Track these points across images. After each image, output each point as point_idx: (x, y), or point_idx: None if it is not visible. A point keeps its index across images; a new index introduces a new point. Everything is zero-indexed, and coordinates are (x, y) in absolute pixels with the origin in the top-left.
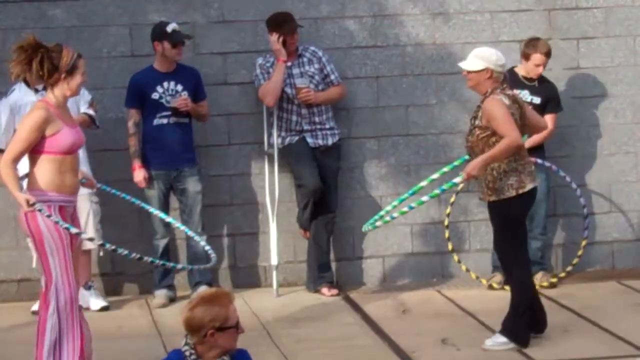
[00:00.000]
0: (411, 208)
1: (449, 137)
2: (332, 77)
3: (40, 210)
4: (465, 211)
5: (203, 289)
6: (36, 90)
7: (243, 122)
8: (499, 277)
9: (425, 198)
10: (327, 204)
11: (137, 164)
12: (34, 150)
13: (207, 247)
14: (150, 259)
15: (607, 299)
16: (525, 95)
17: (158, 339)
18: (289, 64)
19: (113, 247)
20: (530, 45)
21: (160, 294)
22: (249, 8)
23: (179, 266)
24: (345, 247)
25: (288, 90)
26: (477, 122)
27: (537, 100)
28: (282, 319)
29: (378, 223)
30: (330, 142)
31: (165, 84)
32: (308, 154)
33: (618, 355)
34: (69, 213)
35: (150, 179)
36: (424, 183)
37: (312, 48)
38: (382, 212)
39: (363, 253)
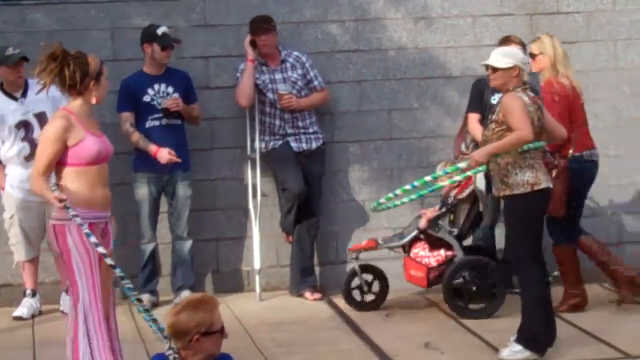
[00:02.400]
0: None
1: (431, 141)
2: (316, 82)
3: (68, 209)
4: None
5: (186, 294)
6: (15, 99)
7: (226, 126)
8: None
9: (428, 178)
10: (310, 208)
11: (152, 148)
12: (58, 162)
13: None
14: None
15: (590, 301)
16: None
17: (141, 344)
18: (273, 68)
19: (121, 275)
20: (503, 40)
21: (144, 299)
22: (231, 12)
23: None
24: (329, 251)
25: (270, 95)
26: (494, 117)
27: None
28: (265, 323)
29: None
30: (314, 146)
31: (156, 87)
32: (292, 158)
33: (601, 358)
34: (99, 230)
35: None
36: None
37: (296, 53)
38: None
39: (347, 257)
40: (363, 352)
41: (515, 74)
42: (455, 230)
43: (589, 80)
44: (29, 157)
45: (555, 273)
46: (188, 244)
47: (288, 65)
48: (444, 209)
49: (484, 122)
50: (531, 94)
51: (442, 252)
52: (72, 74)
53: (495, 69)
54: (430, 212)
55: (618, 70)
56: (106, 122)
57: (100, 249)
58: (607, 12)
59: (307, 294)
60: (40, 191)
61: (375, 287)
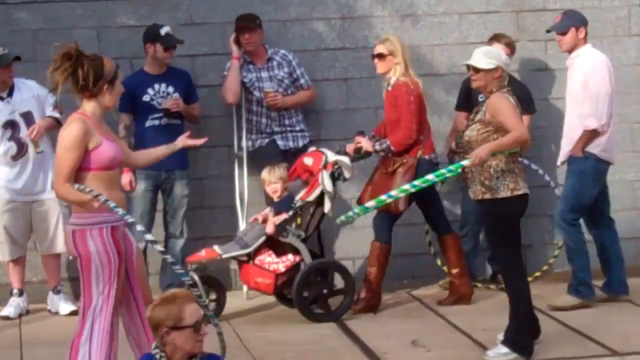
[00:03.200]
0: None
1: None
2: (302, 81)
3: (106, 202)
4: None
5: None
6: (1, 98)
7: (213, 124)
8: None
9: (430, 177)
10: None
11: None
12: (78, 168)
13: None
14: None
15: None
16: None
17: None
18: (259, 67)
19: (172, 261)
20: (490, 39)
21: None
22: (217, 10)
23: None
24: (316, 249)
25: (257, 93)
26: (478, 117)
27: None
28: (252, 322)
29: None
30: (300, 144)
31: (157, 86)
32: (279, 157)
33: (589, 356)
34: (120, 233)
35: (135, 182)
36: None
37: (283, 51)
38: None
39: (333, 255)
40: (351, 351)
41: (497, 75)
42: (303, 234)
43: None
44: (16, 157)
45: (537, 274)
46: (181, 242)
47: (274, 63)
48: (291, 213)
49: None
50: (514, 97)
51: (290, 257)
52: (85, 74)
53: (477, 70)
54: (274, 217)
55: None
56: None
57: (149, 236)
58: (593, 9)
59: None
60: (73, 197)
61: (213, 296)
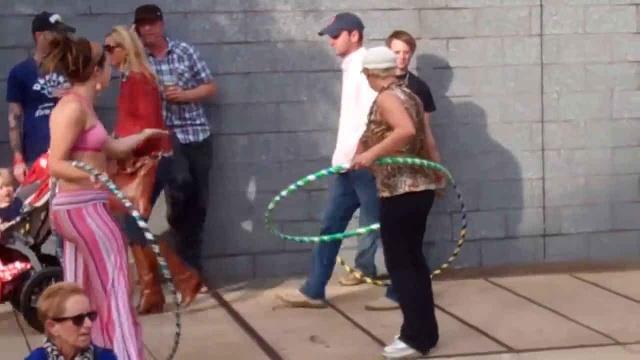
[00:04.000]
0: (298, 187)
1: (319, 134)
2: (203, 74)
3: (107, 182)
4: None
5: None
6: None
7: (110, 116)
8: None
9: (311, 177)
10: (197, 200)
11: (17, 157)
12: (73, 147)
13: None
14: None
15: (474, 296)
16: None
17: (22, 336)
18: (159, 59)
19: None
20: (390, 35)
21: None
22: (116, 1)
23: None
24: (215, 243)
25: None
26: (372, 117)
27: None
28: (150, 316)
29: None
30: (200, 138)
31: (47, 75)
32: (178, 150)
33: (485, 352)
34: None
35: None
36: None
37: (184, 44)
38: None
39: (234, 250)
40: (249, 345)
41: (384, 75)
42: (32, 240)
43: (476, 76)
44: None
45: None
46: None
47: (175, 56)
48: (19, 219)
49: None
50: (407, 90)
51: (17, 264)
52: (75, 59)
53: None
54: (1, 224)
55: (505, 67)
56: None
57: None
58: (494, 9)
59: None
60: (73, 174)
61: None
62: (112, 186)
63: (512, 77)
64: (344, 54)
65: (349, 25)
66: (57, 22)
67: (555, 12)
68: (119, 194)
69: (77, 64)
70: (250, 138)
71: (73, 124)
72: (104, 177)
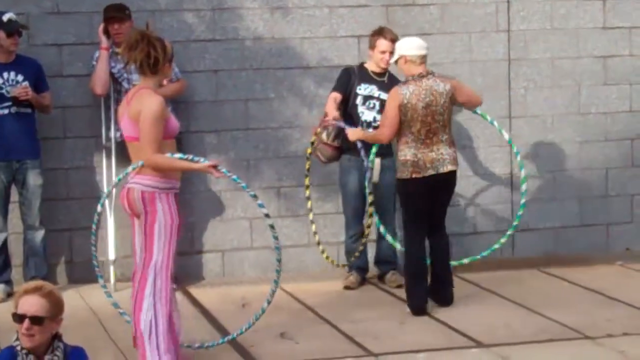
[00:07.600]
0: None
1: (288, 131)
2: (172, 73)
3: (226, 173)
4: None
5: None
6: None
7: (80, 115)
8: (354, 277)
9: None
10: None
11: None
12: None
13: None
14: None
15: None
16: (372, 90)
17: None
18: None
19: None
20: (376, 32)
21: None
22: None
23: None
24: (184, 241)
25: (126, 84)
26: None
27: (385, 96)
28: (119, 314)
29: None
30: None
31: (5, 75)
32: None
33: (455, 347)
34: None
35: None
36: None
37: None
38: None
39: (202, 247)
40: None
41: (420, 61)
42: None
43: (443, 72)
44: None
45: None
46: (40, 233)
47: None
48: None
49: (343, 104)
50: (429, 82)
51: None
52: (157, 54)
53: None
54: None
55: (472, 62)
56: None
57: (264, 210)
58: (461, 5)
59: None
60: (175, 165)
61: None
62: (235, 177)
63: (479, 73)
64: None
65: None
66: (10, 20)
67: (523, 8)
68: (242, 184)
69: (158, 59)
70: (219, 135)
71: (160, 118)
72: (221, 167)
